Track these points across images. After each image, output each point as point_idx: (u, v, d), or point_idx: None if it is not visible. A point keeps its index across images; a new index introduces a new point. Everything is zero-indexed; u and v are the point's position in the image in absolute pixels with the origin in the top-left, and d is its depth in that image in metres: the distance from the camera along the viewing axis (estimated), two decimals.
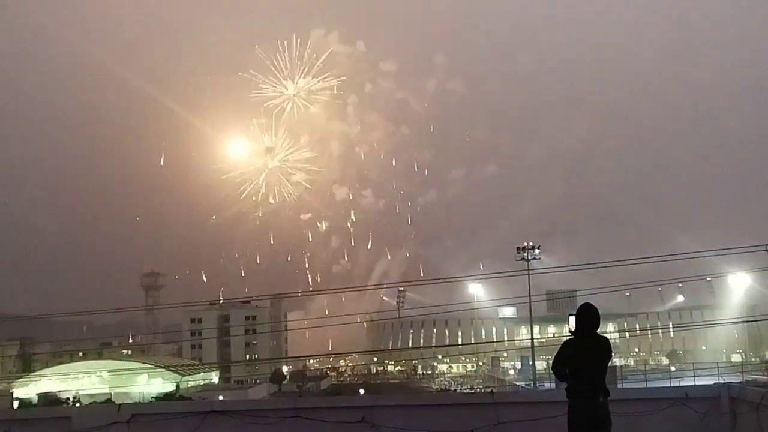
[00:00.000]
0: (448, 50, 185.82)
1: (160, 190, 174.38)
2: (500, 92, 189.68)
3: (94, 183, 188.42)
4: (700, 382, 60.51)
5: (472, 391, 75.33)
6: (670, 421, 10.36)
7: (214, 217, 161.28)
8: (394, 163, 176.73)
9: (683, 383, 62.64)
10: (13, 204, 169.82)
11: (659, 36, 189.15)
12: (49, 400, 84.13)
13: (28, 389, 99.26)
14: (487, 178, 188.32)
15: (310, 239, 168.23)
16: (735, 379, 63.61)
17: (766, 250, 35.80)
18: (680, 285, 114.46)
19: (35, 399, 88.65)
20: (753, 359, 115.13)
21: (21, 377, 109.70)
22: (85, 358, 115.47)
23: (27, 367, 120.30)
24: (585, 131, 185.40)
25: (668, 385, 57.83)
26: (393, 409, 11.27)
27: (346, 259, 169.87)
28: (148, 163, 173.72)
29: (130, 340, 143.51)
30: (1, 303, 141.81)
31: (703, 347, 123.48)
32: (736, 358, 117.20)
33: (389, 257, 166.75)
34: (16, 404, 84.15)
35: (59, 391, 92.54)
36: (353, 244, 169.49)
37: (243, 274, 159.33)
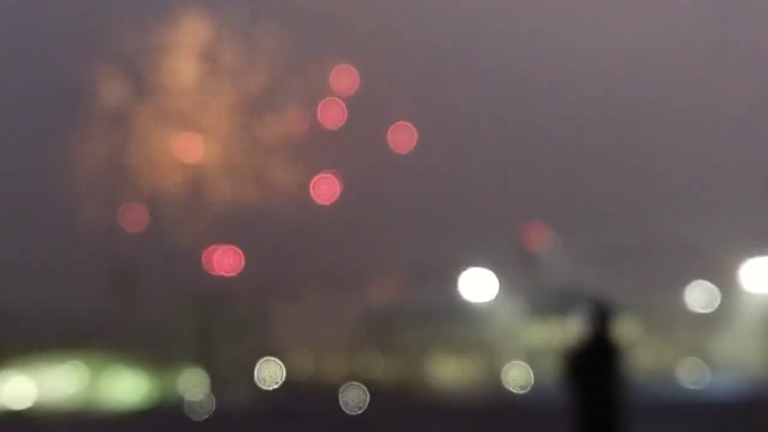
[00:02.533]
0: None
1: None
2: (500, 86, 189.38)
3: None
4: (716, 386, 60.96)
5: (472, 395, 76.07)
6: (687, 429, 10.49)
7: None
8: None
9: (701, 388, 63.08)
10: None
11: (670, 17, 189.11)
12: (15, 403, 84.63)
13: None
14: (489, 169, 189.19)
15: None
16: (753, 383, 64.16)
17: None
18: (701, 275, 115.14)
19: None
20: None
21: None
22: (55, 354, 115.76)
23: None
24: (587, 119, 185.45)
25: (682, 389, 58.25)
26: (389, 415, 11.44)
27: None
28: None
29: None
30: None
31: (727, 345, 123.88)
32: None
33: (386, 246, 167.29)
34: None
35: (27, 393, 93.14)
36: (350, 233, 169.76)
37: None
